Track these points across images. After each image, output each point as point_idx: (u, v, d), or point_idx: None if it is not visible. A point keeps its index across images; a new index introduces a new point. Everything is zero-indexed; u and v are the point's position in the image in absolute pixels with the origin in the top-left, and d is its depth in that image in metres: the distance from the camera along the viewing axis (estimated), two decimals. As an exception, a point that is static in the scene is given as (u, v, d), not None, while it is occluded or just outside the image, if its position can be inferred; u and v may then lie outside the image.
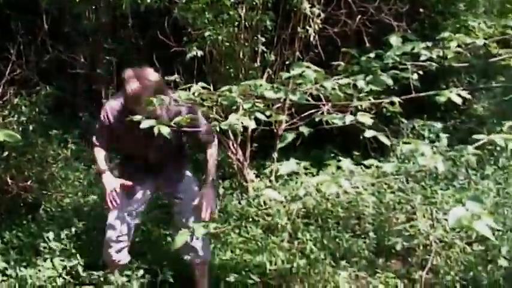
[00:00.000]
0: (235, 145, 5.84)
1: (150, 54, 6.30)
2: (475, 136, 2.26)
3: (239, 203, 5.59)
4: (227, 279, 4.28)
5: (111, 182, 3.86)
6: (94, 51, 8.27)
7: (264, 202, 5.59)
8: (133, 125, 3.14)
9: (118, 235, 3.94)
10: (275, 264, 4.45)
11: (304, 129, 2.36)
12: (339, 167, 2.40)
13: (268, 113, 2.62)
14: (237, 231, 5.06)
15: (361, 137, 6.60)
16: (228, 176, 6.28)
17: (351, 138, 6.77)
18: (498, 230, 4.91)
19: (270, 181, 5.81)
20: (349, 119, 2.30)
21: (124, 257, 4.03)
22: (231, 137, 5.82)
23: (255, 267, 4.41)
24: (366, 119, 2.31)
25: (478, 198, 1.87)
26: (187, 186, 4.09)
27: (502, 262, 4.32)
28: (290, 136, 2.34)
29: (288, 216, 5.26)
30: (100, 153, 4.01)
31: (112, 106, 3.89)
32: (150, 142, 3.71)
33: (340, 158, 6.42)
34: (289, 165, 2.10)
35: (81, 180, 6.19)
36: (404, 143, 2.14)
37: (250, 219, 5.26)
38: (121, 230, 3.95)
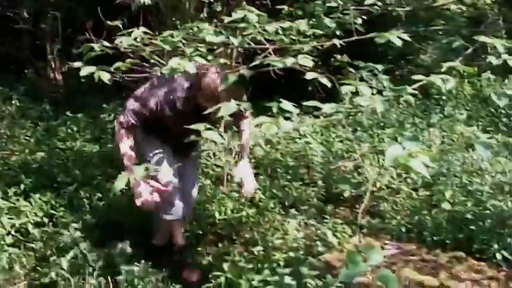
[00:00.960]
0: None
1: (95, 7, 6.17)
2: (414, 77, 2.29)
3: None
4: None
5: (143, 193, 3.55)
6: (38, 6, 8.05)
7: (214, 154, 5.59)
8: (187, 116, 3.25)
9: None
10: (224, 214, 4.47)
11: (245, 72, 2.35)
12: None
13: (210, 57, 2.60)
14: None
15: (310, 88, 6.64)
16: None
17: (300, 89, 6.83)
18: (443, 176, 5.03)
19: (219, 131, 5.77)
20: (290, 61, 2.29)
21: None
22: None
23: (205, 218, 4.43)
24: (307, 61, 2.31)
25: (415, 137, 1.90)
26: (196, 156, 4.15)
27: (446, 206, 4.42)
28: (232, 78, 2.32)
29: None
30: (127, 143, 3.66)
31: (167, 94, 3.62)
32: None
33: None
34: (230, 107, 2.09)
35: (28, 138, 6.07)
36: (345, 83, 2.13)
37: (200, 171, 5.24)
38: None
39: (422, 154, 1.73)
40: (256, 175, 5.12)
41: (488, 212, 4.30)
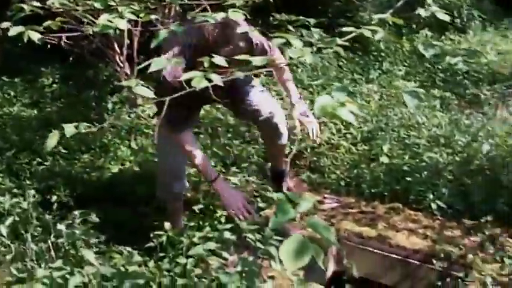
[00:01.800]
0: (121, 58, 5.72)
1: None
2: (344, 29, 2.31)
3: (129, 116, 5.53)
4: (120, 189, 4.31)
5: (236, 197, 3.30)
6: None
7: (149, 115, 5.57)
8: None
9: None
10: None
11: (176, 27, 2.33)
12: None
13: (142, 14, 2.57)
14: (126, 144, 5.03)
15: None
16: (116, 90, 6.17)
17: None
18: (382, 130, 5.12)
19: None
20: (220, 16, 2.29)
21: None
22: (117, 49, 5.69)
23: (146, 178, 4.43)
24: (239, 15, 2.30)
25: (345, 88, 1.93)
26: None
27: (384, 159, 4.51)
28: (163, 34, 2.30)
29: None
30: (193, 145, 3.40)
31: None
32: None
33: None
34: (159, 61, 2.07)
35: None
36: (275, 36, 2.14)
37: (140, 132, 5.23)
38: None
39: (350, 104, 1.76)
40: (197, 134, 5.15)
41: (424, 164, 4.42)
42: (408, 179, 4.18)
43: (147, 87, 2.08)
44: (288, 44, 2.17)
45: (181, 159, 3.60)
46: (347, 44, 2.24)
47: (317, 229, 1.51)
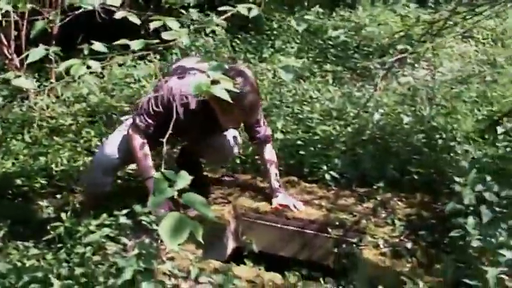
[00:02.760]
0: (10, 50, 5.58)
1: None
2: (221, 8, 2.35)
3: (21, 109, 5.41)
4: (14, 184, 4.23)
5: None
6: None
7: (47, 106, 5.47)
8: (198, 125, 3.25)
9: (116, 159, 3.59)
10: (61, 165, 4.42)
11: (55, 17, 2.32)
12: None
13: (20, 5, 2.53)
14: (19, 137, 4.92)
15: (142, 32, 6.53)
16: (5, 82, 5.99)
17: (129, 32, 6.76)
18: (276, 107, 5.21)
19: (51, 83, 5.64)
20: (98, 2, 2.28)
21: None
22: (5, 42, 5.54)
23: (41, 171, 4.36)
24: (116, 1, 2.31)
25: (220, 66, 1.98)
26: None
27: (278, 135, 4.59)
28: (40, 24, 2.28)
29: (72, 117, 5.22)
30: (145, 151, 3.44)
31: (183, 99, 3.38)
32: (204, 138, 3.66)
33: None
34: (37, 52, 2.06)
35: None
36: (154, 20, 2.15)
37: (34, 124, 5.12)
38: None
39: (225, 81, 1.81)
40: (92, 123, 5.09)
41: (317, 137, 4.54)
42: (302, 152, 4.27)
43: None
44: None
45: (125, 160, 3.62)
46: (224, 23, 2.29)
47: (194, 204, 1.54)
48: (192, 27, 2.20)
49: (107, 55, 2.22)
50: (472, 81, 5.62)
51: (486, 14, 4.09)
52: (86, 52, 2.15)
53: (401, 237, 3.36)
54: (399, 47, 6.56)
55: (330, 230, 3.52)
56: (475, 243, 2.85)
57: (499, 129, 4.25)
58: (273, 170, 3.77)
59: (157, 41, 2.15)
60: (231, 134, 3.81)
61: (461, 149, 4.09)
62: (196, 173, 3.97)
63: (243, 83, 3.16)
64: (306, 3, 8.90)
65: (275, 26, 7.86)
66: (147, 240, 2.92)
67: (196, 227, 1.47)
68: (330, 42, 7.40)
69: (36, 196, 4.16)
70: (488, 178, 3.16)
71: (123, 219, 2.99)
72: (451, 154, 4.10)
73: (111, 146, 3.59)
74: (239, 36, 7.46)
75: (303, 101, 5.42)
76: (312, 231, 3.59)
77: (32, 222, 3.84)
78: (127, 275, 2.58)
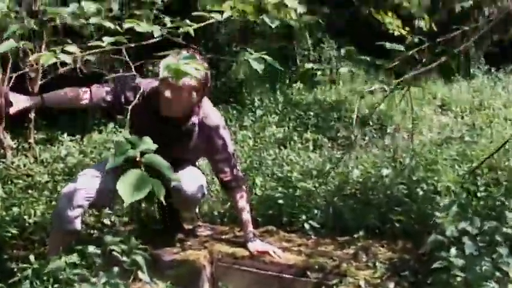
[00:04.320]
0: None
1: None
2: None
3: (-4, 167, 5.34)
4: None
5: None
6: None
7: (24, 165, 5.42)
8: (156, 124, 3.17)
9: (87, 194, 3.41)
10: (34, 217, 4.30)
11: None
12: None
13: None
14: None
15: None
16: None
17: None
18: (256, 169, 5.17)
19: (29, 143, 5.60)
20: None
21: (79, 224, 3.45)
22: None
23: (13, 221, 4.23)
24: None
25: (192, 56, 1.95)
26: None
27: (257, 191, 4.53)
28: (13, 28, 2.25)
29: (50, 176, 5.15)
30: (72, 91, 3.39)
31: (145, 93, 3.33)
32: (167, 147, 3.45)
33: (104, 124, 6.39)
34: (5, 45, 2.01)
35: None
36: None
37: (10, 182, 5.04)
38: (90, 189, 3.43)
39: (195, 63, 1.78)
40: (68, 180, 5.00)
41: (297, 192, 4.46)
42: (280, 201, 4.20)
43: None
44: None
45: (98, 197, 3.45)
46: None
47: (154, 164, 1.48)
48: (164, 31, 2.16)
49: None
50: (452, 143, 5.64)
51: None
52: (58, 51, 2.08)
53: (383, 278, 3.26)
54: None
55: (309, 273, 3.41)
56: (458, 275, 2.76)
57: (479, 181, 4.23)
58: (247, 217, 3.66)
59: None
60: (199, 179, 3.66)
61: (442, 200, 4.04)
62: (171, 218, 3.89)
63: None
64: (287, 80, 9.04)
65: (256, 99, 7.95)
66: (115, 270, 2.79)
67: (158, 186, 1.39)
68: (311, 113, 7.45)
69: (7, 247, 4.03)
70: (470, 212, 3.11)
71: (91, 249, 2.87)
72: (433, 205, 4.04)
73: (83, 178, 3.47)
74: (220, 107, 7.51)
75: (283, 163, 5.39)
76: (290, 276, 3.47)
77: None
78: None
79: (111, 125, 6.82)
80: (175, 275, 3.34)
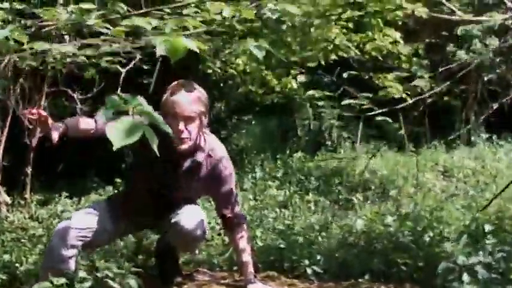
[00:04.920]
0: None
1: None
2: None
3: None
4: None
5: None
6: None
7: (19, 220, 5.33)
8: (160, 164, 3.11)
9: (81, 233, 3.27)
10: (26, 264, 4.15)
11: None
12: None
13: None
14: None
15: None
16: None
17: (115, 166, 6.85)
18: (257, 226, 5.05)
19: (25, 199, 5.50)
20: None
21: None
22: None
23: (3, 268, 4.08)
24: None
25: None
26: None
27: (258, 242, 4.39)
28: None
29: (44, 230, 5.04)
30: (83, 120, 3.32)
31: None
32: (170, 187, 3.41)
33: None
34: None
35: None
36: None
37: (2, 234, 4.92)
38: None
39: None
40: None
41: (298, 242, 4.33)
42: (282, 246, 4.08)
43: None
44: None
45: (94, 236, 3.32)
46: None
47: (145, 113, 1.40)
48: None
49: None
50: (457, 198, 5.54)
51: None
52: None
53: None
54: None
55: (313, 314, 3.24)
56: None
57: (487, 227, 4.10)
58: (247, 259, 3.50)
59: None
60: (199, 215, 3.50)
61: (449, 246, 3.90)
62: (169, 262, 3.75)
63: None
64: (287, 151, 9.00)
65: (256, 166, 7.92)
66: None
67: (150, 133, 1.31)
68: (312, 178, 7.37)
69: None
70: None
71: (82, 274, 2.72)
72: (440, 249, 3.89)
73: (78, 216, 3.36)
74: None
75: (284, 221, 5.28)
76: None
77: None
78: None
79: (109, 188, 6.73)
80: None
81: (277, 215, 5.64)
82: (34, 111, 2.98)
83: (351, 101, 5.14)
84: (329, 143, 9.23)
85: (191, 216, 3.39)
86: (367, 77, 6.32)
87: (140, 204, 3.41)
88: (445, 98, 9.30)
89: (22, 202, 5.63)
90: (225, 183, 3.43)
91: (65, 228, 3.30)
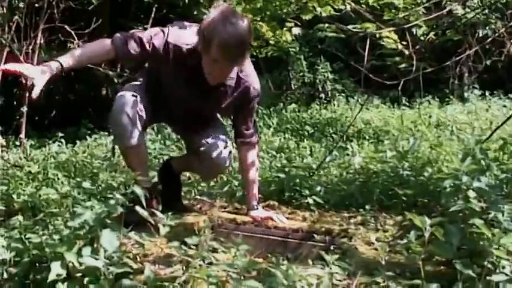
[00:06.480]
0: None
1: None
2: None
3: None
4: None
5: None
6: None
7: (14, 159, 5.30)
8: (185, 83, 3.05)
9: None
10: (23, 196, 4.10)
11: None
12: None
13: None
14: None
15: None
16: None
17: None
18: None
19: (20, 139, 5.46)
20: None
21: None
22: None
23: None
24: None
25: None
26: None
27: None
28: None
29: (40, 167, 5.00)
30: (91, 48, 3.16)
31: (177, 47, 3.11)
32: (190, 105, 3.33)
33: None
34: None
35: None
36: None
37: None
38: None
39: None
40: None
41: (297, 177, 4.31)
42: (282, 175, 4.07)
43: None
44: None
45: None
46: None
47: None
48: None
49: None
50: (452, 143, 5.53)
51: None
52: None
53: (396, 235, 3.08)
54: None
55: (316, 236, 3.20)
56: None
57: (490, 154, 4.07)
58: (253, 177, 3.48)
59: None
60: (228, 147, 3.47)
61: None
62: (173, 186, 3.71)
63: (236, 22, 2.94)
64: (282, 103, 8.98)
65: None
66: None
67: None
68: (307, 127, 7.37)
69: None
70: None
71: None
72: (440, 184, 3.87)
73: (129, 87, 3.31)
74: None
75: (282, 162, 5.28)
76: (295, 240, 3.26)
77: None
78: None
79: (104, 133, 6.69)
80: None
81: (275, 158, 5.64)
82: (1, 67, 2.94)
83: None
84: (323, 95, 9.22)
85: (220, 147, 3.37)
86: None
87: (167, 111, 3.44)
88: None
89: (17, 143, 5.58)
90: (249, 103, 3.36)
91: (122, 96, 3.21)
